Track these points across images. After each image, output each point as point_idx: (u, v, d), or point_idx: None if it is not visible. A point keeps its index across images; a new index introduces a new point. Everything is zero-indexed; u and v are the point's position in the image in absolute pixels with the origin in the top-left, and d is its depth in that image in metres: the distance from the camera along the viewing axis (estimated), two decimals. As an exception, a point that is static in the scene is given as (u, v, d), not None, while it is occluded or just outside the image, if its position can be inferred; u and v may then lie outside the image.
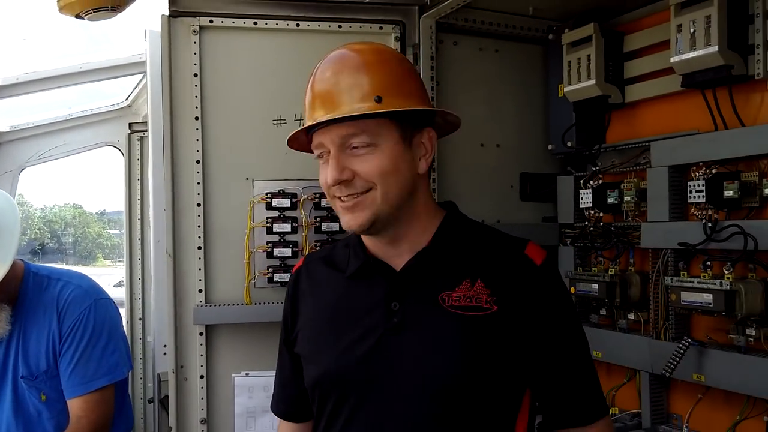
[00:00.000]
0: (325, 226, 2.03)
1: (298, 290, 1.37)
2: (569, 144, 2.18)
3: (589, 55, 2.02)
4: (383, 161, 1.15)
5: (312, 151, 1.25)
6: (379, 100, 1.16)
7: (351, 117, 1.14)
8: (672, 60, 1.75)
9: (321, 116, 1.16)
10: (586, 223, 2.14)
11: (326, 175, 1.17)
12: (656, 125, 2.00)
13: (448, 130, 1.33)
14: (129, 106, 3.86)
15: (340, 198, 1.19)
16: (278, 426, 1.46)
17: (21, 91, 3.18)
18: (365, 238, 1.27)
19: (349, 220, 1.19)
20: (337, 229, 2.03)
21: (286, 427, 1.44)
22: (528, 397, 1.23)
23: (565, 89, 2.13)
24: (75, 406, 1.89)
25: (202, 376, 2.00)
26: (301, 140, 1.27)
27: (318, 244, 2.03)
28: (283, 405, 1.44)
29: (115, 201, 3.91)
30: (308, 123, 1.19)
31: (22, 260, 2.01)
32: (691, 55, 1.70)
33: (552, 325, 1.20)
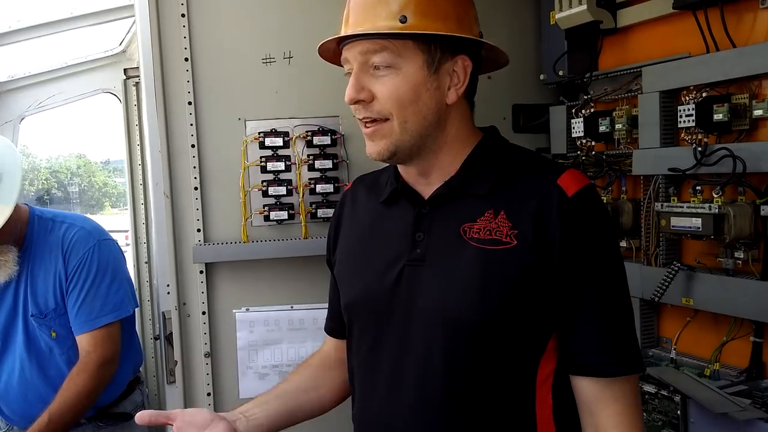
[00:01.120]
0: (318, 164, 2.05)
1: (342, 213, 1.38)
2: (561, 73, 2.16)
3: (580, -19, 1.99)
4: (402, 86, 1.11)
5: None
6: (403, 20, 1.10)
7: (369, 35, 1.10)
8: (659, -18, 1.72)
9: (345, 30, 1.14)
10: (578, 152, 2.15)
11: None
12: (649, 50, 1.98)
13: (494, 64, 1.25)
14: (123, 51, 3.81)
15: (362, 121, 1.15)
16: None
17: (14, 39, 3.16)
18: (399, 165, 1.24)
19: (368, 148, 1.16)
20: (330, 165, 2.06)
21: (328, 343, 1.47)
22: (554, 341, 1.15)
23: (557, 16, 2.09)
24: (83, 341, 1.97)
25: (204, 312, 2.07)
26: (335, 52, 1.21)
27: (312, 181, 2.06)
28: (330, 322, 1.47)
29: (119, 150, 3.92)
30: (333, 36, 1.16)
31: (27, 204, 2.06)
32: (682, -25, 1.67)
33: (579, 263, 1.10)
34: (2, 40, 3.18)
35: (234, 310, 2.07)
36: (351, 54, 1.13)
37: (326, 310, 2.05)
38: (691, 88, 1.77)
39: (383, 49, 1.10)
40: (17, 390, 2.02)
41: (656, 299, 1.87)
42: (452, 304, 1.12)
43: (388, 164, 1.27)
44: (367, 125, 1.14)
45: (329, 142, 2.05)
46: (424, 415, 1.16)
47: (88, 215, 2.64)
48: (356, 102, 1.13)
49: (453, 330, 1.12)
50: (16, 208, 1.94)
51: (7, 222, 1.84)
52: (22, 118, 3.83)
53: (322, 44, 1.20)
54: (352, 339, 1.30)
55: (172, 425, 1.22)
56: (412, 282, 1.16)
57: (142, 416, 1.22)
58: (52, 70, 3.79)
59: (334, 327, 1.45)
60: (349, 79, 1.15)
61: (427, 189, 1.20)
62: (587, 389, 1.13)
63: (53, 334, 1.99)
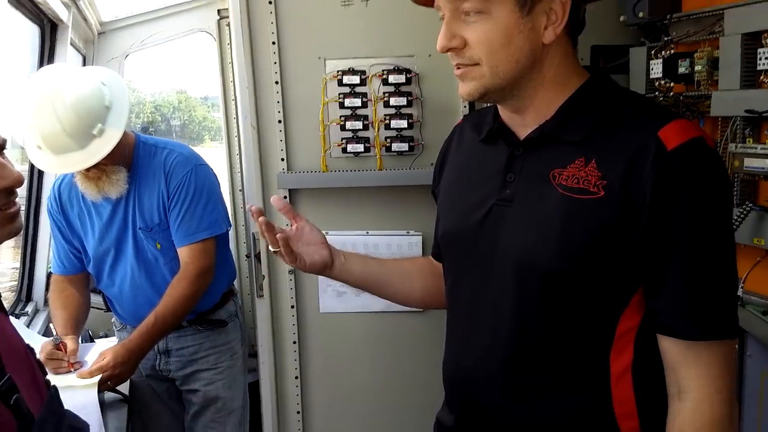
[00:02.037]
0: (393, 101, 2.16)
1: (449, 147, 1.40)
2: (641, 14, 2.13)
3: None
4: (492, 31, 1.07)
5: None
6: None
7: None
8: None
9: None
10: (657, 93, 2.14)
11: None
12: (732, -9, 1.92)
13: None
14: (218, -8, 4.00)
15: (455, 65, 1.14)
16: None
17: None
18: (497, 104, 1.23)
19: (459, 88, 1.15)
20: (404, 102, 2.16)
21: (425, 258, 1.55)
22: (640, 296, 1.11)
23: (638, -44, 2.05)
24: (183, 253, 2.22)
25: (287, 234, 2.27)
26: None
27: (387, 117, 2.17)
28: (434, 247, 1.49)
29: (215, 87, 4.13)
30: None
31: (134, 132, 2.31)
32: None
33: (669, 223, 1.04)
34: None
35: (315, 233, 2.26)
36: (442, 1, 1.11)
37: (399, 237, 2.22)
38: (772, 30, 1.73)
39: None
40: (129, 293, 2.30)
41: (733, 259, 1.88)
42: (530, 249, 1.12)
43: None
44: (459, 68, 1.13)
45: (404, 81, 2.15)
46: (492, 354, 1.19)
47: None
48: (448, 50, 1.11)
49: (526, 274, 1.12)
50: (125, 135, 2.18)
51: (117, 146, 2.05)
52: (127, 55, 4.12)
53: None
54: (444, 266, 1.35)
55: (291, 226, 1.40)
56: (498, 221, 1.17)
57: (276, 199, 1.43)
58: (153, 11, 4.02)
59: (436, 252, 1.48)
60: (434, 29, 1.13)
61: (522, 130, 1.18)
62: (670, 349, 1.09)
63: (158, 246, 2.25)
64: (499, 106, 1.22)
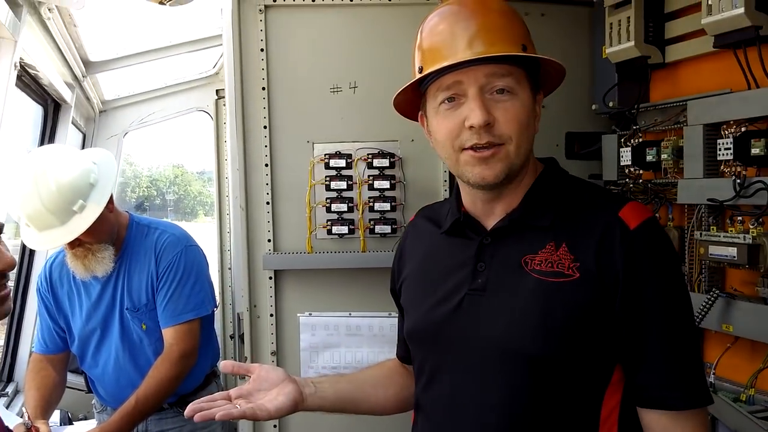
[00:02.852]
0: (377, 184, 2.23)
1: (405, 244, 1.41)
2: (611, 104, 2.25)
3: (629, 17, 2.08)
4: (522, 111, 1.12)
5: (408, 114, 1.26)
6: (524, 48, 1.13)
7: (498, 57, 1.10)
8: (703, 21, 1.79)
9: (468, 56, 1.11)
10: (627, 180, 2.23)
11: (456, 119, 1.13)
12: (695, 84, 2.04)
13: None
14: (216, 73, 4.17)
15: (472, 148, 1.13)
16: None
17: (122, 65, 3.55)
18: (464, 195, 1.25)
19: (482, 171, 1.13)
20: (388, 186, 2.24)
21: (392, 362, 1.51)
22: (619, 373, 1.14)
23: (607, 50, 2.19)
24: (168, 335, 2.23)
25: (271, 315, 2.28)
26: (411, 101, 1.24)
27: (371, 200, 2.24)
28: (398, 349, 1.49)
29: (210, 162, 4.24)
30: (446, 62, 1.12)
31: (128, 212, 2.36)
32: (720, 17, 1.74)
33: (642, 296, 1.09)
34: (111, 65, 3.58)
35: (298, 314, 2.28)
36: (470, 77, 1.12)
37: (381, 318, 2.24)
38: (731, 122, 1.83)
39: (509, 74, 1.11)
40: (112, 374, 2.29)
41: (696, 324, 1.92)
42: (512, 335, 1.12)
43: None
44: (479, 150, 1.12)
45: (388, 164, 2.23)
46: None
47: (183, 223, 2.93)
48: (486, 124, 1.10)
49: (513, 361, 1.12)
50: (118, 214, 2.24)
51: (104, 222, 2.10)
52: (126, 133, 4.26)
53: (427, 72, 1.16)
54: (415, 367, 1.32)
55: (249, 377, 1.30)
56: (473, 311, 1.17)
57: (226, 365, 1.31)
58: (153, 90, 4.19)
59: (402, 354, 1.47)
60: (443, 107, 1.15)
61: (489, 220, 1.22)
62: (656, 422, 1.11)
63: (144, 327, 2.26)
64: (470, 196, 1.24)
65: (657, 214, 2.13)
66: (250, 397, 1.25)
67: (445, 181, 2.26)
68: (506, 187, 1.19)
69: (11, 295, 1.26)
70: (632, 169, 2.21)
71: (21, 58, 2.26)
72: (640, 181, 2.19)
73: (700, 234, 1.90)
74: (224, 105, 4.12)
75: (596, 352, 1.11)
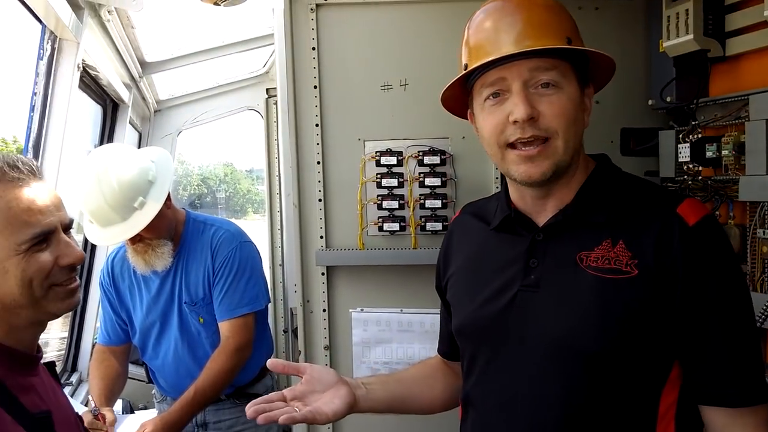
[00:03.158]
0: (428, 181, 2.24)
1: (451, 241, 1.41)
2: (668, 99, 2.20)
3: (687, 10, 2.03)
4: (568, 105, 1.11)
5: (457, 111, 1.28)
6: (569, 41, 1.12)
7: (542, 51, 1.10)
8: (766, 13, 1.73)
9: (511, 50, 1.11)
10: (685, 177, 2.17)
11: (501, 115, 1.13)
12: (758, 78, 1.96)
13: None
14: (266, 73, 4.25)
15: (517, 145, 1.13)
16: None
17: (177, 65, 3.65)
18: (512, 191, 1.25)
19: (528, 169, 1.14)
20: (439, 183, 2.24)
21: (435, 359, 1.53)
22: (677, 370, 1.13)
23: (665, 44, 2.13)
24: (224, 328, 2.30)
25: (324, 310, 2.31)
26: (458, 98, 1.25)
27: (422, 197, 2.25)
28: (441, 345, 1.51)
29: (260, 160, 4.32)
30: (490, 58, 1.13)
31: (185, 209, 2.44)
32: (786, 6, 1.68)
33: (703, 293, 1.08)
34: (165, 65, 3.69)
35: (350, 310, 2.30)
36: (513, 72, 1.12)
37: (432, 315, 2.24)
38: (797, 116, 1.77)
39: (553, 68, 1.11)
40: (171, 365, 2.38)
41: (759, 325, 1.86)
42: (569, 332, 1.12)
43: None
44: (531, 147, 1.13)
45: (438, 162, 2.23)
46: None
47: (233, 220, 3.00)
48: (531, 118, 1.10)
49: (569, 358, 1.12)
50: (175, 211, 2.32)
51: (162, 219, 2.18)
52: (180, 132, 4.39)
53: (472, 68, 1.17)
54: (464, 363, 1.33)
55: (301, 377, 1.29)
56: (526, 307, 1.17)
57: (275, 365, 1.30)
58: (205, 90, 4.31)
59: (445, 350, 1.49)
60: (488, 103, 1.15)
61: (541, 216, 1.21)
62: (716, 419, 1.11)
63: (201, 320, 2.33)
64: (519, 193, 1.24)
65: (717, 212, 2.07)
66: (305, 399, 1.25)
67: (497, 178, 2.25)
68: (556, 184, 1.18)
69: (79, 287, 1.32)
70: (691, 166, 2.14)
71: (83, 60, 2.35)
72: (699, 178, 2.13)
73: (763, 232, 1.84)
74: (274, 104, 4.20)
75: (653, 349, 1.11)
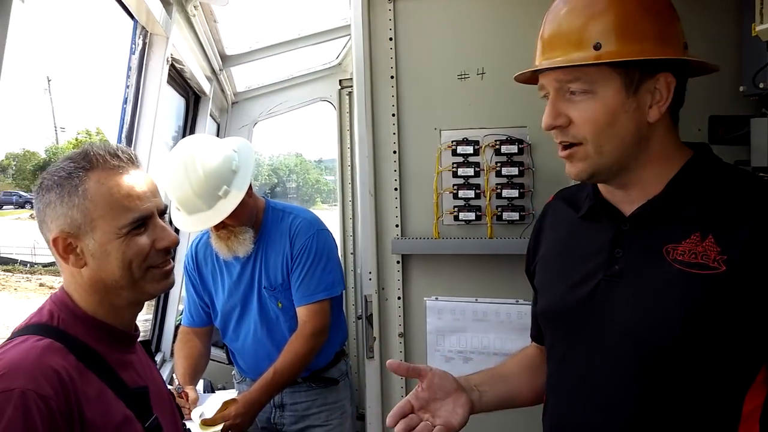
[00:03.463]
0: (504, 171, 2.22)
1: (542, 225, 1.42)
2: (761, 85, 2.09)
3: (785, -10, 1.92)
4: (598, 111, 1.10)
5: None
6: (597, 46, 1.09)
7: (563, 67, 1.11)
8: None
9: (540, 62, 1.16)
10: (780, 165, 2.07)
11: None
12: None
13: (702, 70, 1.21)
14: (339, 64, 4.29)
15: (559, 144, 1.17)
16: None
17: (254, 58, 3.75)
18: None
19: (568, 168, 1.17)
20: (516, 173, 2.22)
21: (531, 348, 1.52)
22: (765, 374, 1.09)
23: (757, 28, 2.02)
24: (301, 313, 2.36)
25: (399, 298, 2.34)
26: (531, 75, 1.25)
27: (498, 186, 2.23)
28: (533, 329, 1.51)
29: (330, 150, 4.37)
30: (527, 70, 1.19)
31: (264, 197, 2.52)
32: None
33: None
34: (244, 58, 3.79)
35: (425, 298, 2.32)
36: (546, 81, 1.16)
37: (508, 305, 2.23)
38: None
39: (577, 79, 1.11)
40: (251, 347, 2.47)
41: None
42: (649, 324, 1.10)
43: (575, 184, 1.31)
44: (564, 148, 1.16)
45: (516, 151, 2.21)
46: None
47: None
48: (553, 128, 1.14)
49: (646, 351, 1.10)
50: (255, 199, 2.39)
51: (245, 207, 2.25)
52: (255, 123, 4.50)
53: (517, 75, 1.25)
54: (546, 348, 1.34)
55: (420, 379, 1.28)
56: (608, 297, 1.16)
57: (398, 369, 1.31)
58: (280, 81, 4.39)
59: (535, 334, 1.50)
60: (544, 101, 1.18)
61: (628, 206, 1.19)
62: None
63: (279, 305, 2.41)
64: (602, 184, 1.24)
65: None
66: (428, 407, 1.26)
67: (576, 167, 2.20)
68: (625, 177, 1.16)
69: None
70: (785, 154, 2.04)
71: (171, 54, 2.46)
72: (795, 166, 2.02)
73: None
74: (347, 94, 4.24)
75: (736, 349, 1.07)
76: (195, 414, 2.23)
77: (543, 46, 1.18)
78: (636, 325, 1.11)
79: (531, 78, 1.25)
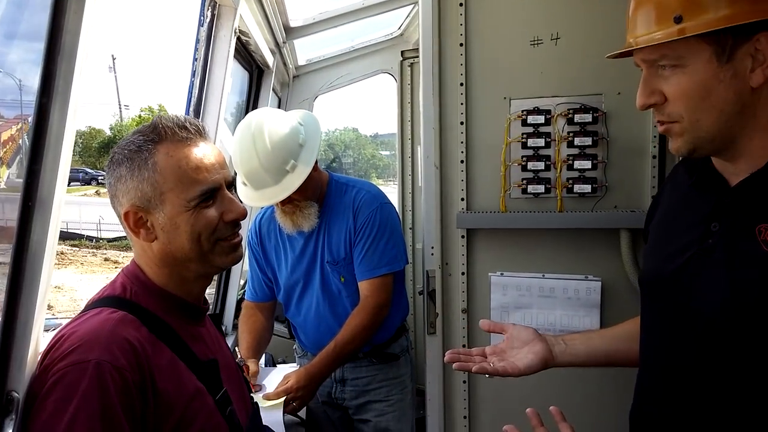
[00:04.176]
0: (577, 141, 2.11)
1: (664, 189, 1.37)
2: None
3: None
4: (689, 86, 1.04)
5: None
6: (678, 20, 1.02)
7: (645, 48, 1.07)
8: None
9: (627, 39, 1.12)
10: None
11: None
12: None
13: None
14: (401, 35, 4.21)
15: (658, 121, 1.13)
16: None
17: (317, 29, 3.70)
18: None
19: (669, 144, 1.13)
20: (590, 143, 2.11)
21: None
22: None
23: None
24: (363, 287, 2.33)
25: (463, 273, 2.28)
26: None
27: (570, 157, 2.13)
28: None
29: (387, 124, 4.33)
30: (619, 51, 1.15)
31: (328, 171, 2.49)
32: None
33: None
34: (307, 30, 3.74)
35: (489, 273, 2.25)
36: (638, 58, 1.12)
37: (577, 281, 2.15)
38: None
39: (663, 56, 1.06)
40: (313, 322, 2.46)
41: None
42: (727, 310, 1.04)
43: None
44: (662, 124, 1.12)
45: (590, 120, 2.10)
46: (678, 407, 1.14)
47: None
48: (648, 106, 1.10)
49: (724, 335, 1.05)
50: (319, 173, 2.36)
51: (310, 181, 2.22)
52: (316, 97, 4.47)
53: (609, 56, 1.20)
54: (641, 316, 1.31)
55: (503, 334, 1.46)
56: (696, 272, 1.11)
57: (483, 323, 1.51)
58: (341, 54, 4.34)
59: None
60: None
61: (735, 177, 1.12)
62: None
63: (342, 279, 2.39)
64: None
65: None
66: (503, 355, 1.39)
67: (655, 136, 2.07)
68: (738, 147, 1.08)
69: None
70: None
71: (237, 26, 2.43)
72: None
73: None
74: (409, 66, 4.17)
75: None
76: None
77: (628, 24, 1.13)
78: (713, 307, 1.06)
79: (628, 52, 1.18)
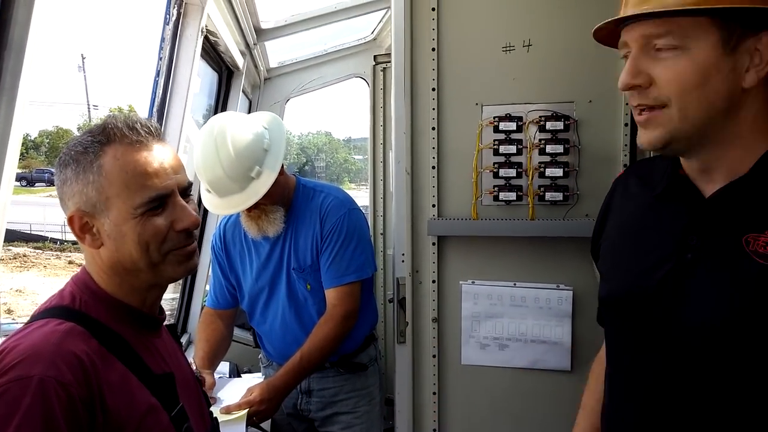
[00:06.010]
0: (549, 148, 2.09)
1: (611, 203, 1.30)
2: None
3: None
4: (687, 70, 0.97)
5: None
6: None
7: (655, 13, 0.98)
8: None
9: (625, 10, 1.04)
10: None
11: None
12: None
13: None
14: (374, 39, 4.18)
15: (636, 108, 1.05)
16: None
17: (289, 32, 3.64)
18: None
19: (640, 136, 1.05)
20: (561, 150, 2.08)
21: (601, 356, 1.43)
22: None
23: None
24: (330, 295, 2.27)
25: (433, 281, 2.23)
26: (611, 34, 1.10)
27: (541, 165, 2.11)
28: (598, 315, 1.40)
29: (360, 128, 4.30)
30: (615, 17, 1.06)
31: (295, 175, 2.42)
32: None
33: None
34: (279, 32, 3.69)
35: (460, 282, 2.21)
36: (631, 36, 1.03)
37: (548, 290, 2.12)
38: None
39: (668, 33, 0.98)
40: (278, 331, 2.39)
41: None
42: (720, 324, 0.99)
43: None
44: (642, 112, 1.04)
45: (562, 127, 2.08)
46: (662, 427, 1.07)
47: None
48: (631, 87, 1.03)
49: (717, 353, 1.00)
50: (286, 178, 2.30)
51: (276, 186, 2.16)
52: (288, 99, 4.41)
53: (597, 27, 1.10)
54: (607, 335, 1.25)
55: None
56: (677, 289, 1.05)
57: None
58: (313, 57, 4.30)
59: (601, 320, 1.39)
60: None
61: (708, 186, 1.06)
62: None
63: (308, 287, 2.32)
64: (682, 159, 1.11)
65: None
66: None
67: (626, 145, 2.06)
68: (714, 151, 1.03)
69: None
70: None
71: (205, 25, 2.36)
72: None
73: None
74: (382, 70, 4.13)
75: None
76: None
77: None
78: (705, 326, 1.01)
79: (609, 36, 1.11)
